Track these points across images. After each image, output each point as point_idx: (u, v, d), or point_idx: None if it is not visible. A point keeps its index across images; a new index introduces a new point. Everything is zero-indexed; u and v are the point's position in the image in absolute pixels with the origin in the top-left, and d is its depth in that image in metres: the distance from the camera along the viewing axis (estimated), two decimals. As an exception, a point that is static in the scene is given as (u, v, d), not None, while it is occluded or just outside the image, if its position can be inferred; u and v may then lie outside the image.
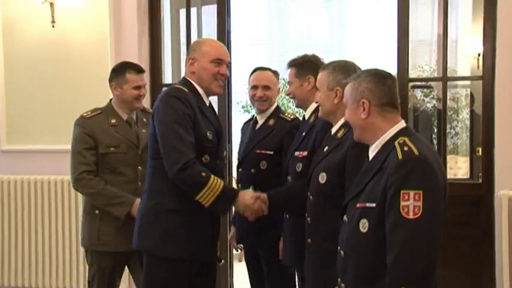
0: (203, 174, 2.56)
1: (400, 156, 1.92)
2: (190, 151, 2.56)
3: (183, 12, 4.50)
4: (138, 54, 4.26)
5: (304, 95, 2.96)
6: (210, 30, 4.48)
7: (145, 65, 4.27)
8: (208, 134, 2.68)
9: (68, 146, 4.23)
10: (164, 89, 3.10)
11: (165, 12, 4.57)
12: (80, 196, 4.20)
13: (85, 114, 3.22)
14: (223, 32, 4.28)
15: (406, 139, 1.98)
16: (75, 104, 4.24)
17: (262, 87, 3.38)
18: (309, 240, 2.55)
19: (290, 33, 9.77)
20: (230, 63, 2.90)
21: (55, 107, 4.35)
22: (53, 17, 4.19)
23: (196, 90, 2.73)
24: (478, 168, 4.63)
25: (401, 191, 1.87)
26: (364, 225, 1.99)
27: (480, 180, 3.99)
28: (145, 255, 2.73)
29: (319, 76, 2.58)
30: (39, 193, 4.34)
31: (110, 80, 3.26)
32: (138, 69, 3.28)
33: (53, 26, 4.21)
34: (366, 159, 2.15)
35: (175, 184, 2.59)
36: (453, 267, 3.75)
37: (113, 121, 3.20)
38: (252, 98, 3.44)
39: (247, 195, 2.76)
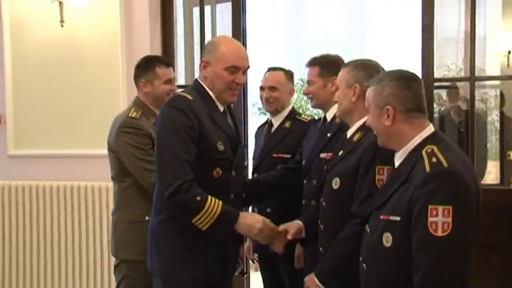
0: (198, 198, 2.32)
1: (428, 169, 1.84)
2: (184, 172, 2.31)
3: (196, 11, 4.43)
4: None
5: (327, 96, 2.87)
6: (224, 29, 4.38)
7: (157, 66, 4.17)
8: (219, 145, 2.43)
9: (78, 151, 4.23)
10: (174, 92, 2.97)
11: (178, 10, 4.51)
12: (90, 202, 4.12)
13: (133, 115, 2.96)
14: (239, 31, 4.19)
15: (435, 148, 1.89)
16: (85, 106, 4.25)
17: (269, 89, 3.34)
18: (321, 248, 2.48)
19: (307, 31, 9.65)
20: (248, 67, 2.60)
21: (64, 109, 4.28)
22: (61, 16, 4.12)
23: (209, 95, 2.50)
24: (509, 173, 4.55)
25: (429, 206, 1.80)
26: (387, 239, 1.94)
27: (511, 186, 3.80)
28: (153, 277, 2.57)
29: (340, 73, 2.50)
30: (48, 200, 4.26)
31: (137, 77, 3.06)
32: (167, 62, 3.13)
33: (62, 26, 4.15)
34: (392, 166, 2.08)
35: None
36: (483, 279, 3.63)
37: (153, 121, 2.91)
38: (261, 99, 3.42)
39: (249, 217, 2.51)
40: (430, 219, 1.79)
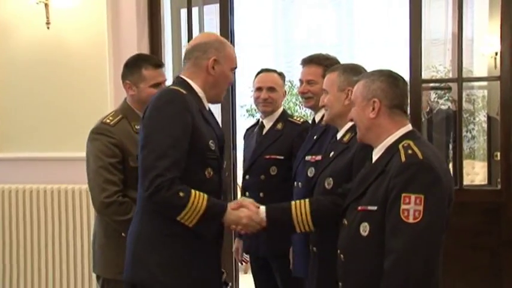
0: (181, 194, 2.15)
1: (403, 159, 1.93)
2: (166, 169, 2.14)
3: (184, 12, 4.41)
4: (137, 57, 4.11)
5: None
6: (212, 31, 4.34)
7: (144, 67, 4.14)
8: (210, 143, 2.29)
9: (64, 154, 4.19)
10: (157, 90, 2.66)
11: (165, 12, 4.47)
12: (78, 205, 4.09)
13: (108, 121, 2.75)
14: (226, 33, 4.18)
15: (411, 142, 1.99)
16: (71, 109, 4.21)
17: (267, 89, 3.33)
18: (314, 248, 2.52)
19: (296, 34, 9.61)
20: None
21: (50, 112, 4.23)
22: (48, 18, 4.07)
23: (197, 94, 2.34)
24: (496, 173, 4.54)
25: (403, 194, 1.88)
26: (365, 229, 2.00)
27: (499, 187, 3.88)
28: None
29: (327, 78, 2.53)
30: (35, 203, 4.20)
31: (123, 78, 2.82)
32: (156, 63, 2.84)
33: (48, 28, 4.10)
34: (369, 161, 2.15)
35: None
36: (470, 279, 3.70)
37: (137, 127, 2.66)
38: (256, 100, 3.39)
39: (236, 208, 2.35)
40: (403, 206, 1.87)
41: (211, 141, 2.29)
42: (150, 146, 2.17)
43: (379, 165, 2.04)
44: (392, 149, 2.02)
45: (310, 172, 2.76)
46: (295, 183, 2.90)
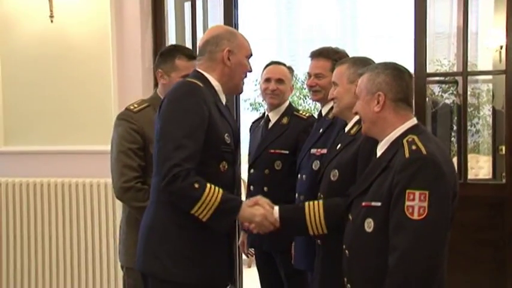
0: (196, 185, 2.13)
1: (407, 155, 1.92)
2: (183, 159, 2.12)
3: (188, 6, 4.39)
4: (141, 50, 4.14)
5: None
6: (218, 23, 4.33)
7: (148, 61, 4.18)
8: (226, 136, 2.29)
9: (68, 147, 4.19)
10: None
11: (169, 5, 4.45)
12: (81, 198, 4.09)
13: (132, 107, 2.80)
14: (230, 26, 4.10)
15: (415, 137, 1.97)
16: (75, 102, 4.21)
17: (276, 81, 3.31)
18: (319, 241, 2.50)
19: (300, 27, 9.58)
20: None
21: (54, 105, 4.23)
22: (51, 11, 4.07)
23: (213, 87, 2.35)
24: (501, 167, 4.57)
25: (407, 191, 1.86)
26: (369, 225, 1.99)
27: (504, 181, 3.84)
28: (151, 279, 2.31)
29: (336, 71, 2.52)
30: (39, 197, 4.20)
31: (157, 66, 2.86)
32: (190, 54, 2.85)
33: (52, 21, 4.10)
34: (374, 156, 2.14)
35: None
36: (474, 274, 3.67)
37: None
38: (264, 91, 3.37)
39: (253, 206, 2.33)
40: (407, 203, 1.85)
41: (226, 134, 2.29)
42: (167, 137, 2.16)
43: (383, 160, 2.03)
44: (397, 143, 2.00)
45: (315, 165, 2.75)
46: (299, 175, 2.89)
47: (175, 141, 2.14)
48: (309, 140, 2.92)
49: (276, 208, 2.34)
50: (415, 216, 1.83)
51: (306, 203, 2.36)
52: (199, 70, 2.37)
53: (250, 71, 2.44)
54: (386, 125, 2.06)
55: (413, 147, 1.93)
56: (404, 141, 1.97)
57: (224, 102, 2.40)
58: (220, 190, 2.19)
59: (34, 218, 4.23)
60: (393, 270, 1.85)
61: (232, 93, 2.49)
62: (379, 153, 2.10)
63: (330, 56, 2.89)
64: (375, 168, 2.06)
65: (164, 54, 2.86)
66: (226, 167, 2.30)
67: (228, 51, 2.34)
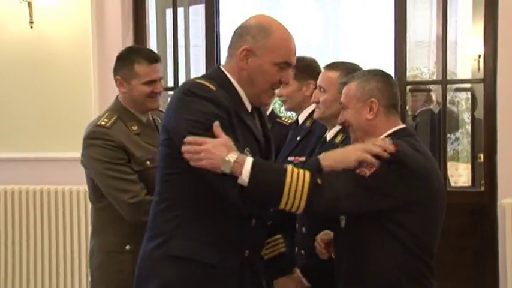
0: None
1: None
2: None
3: (169, 12, 4.40)
4: (122, 56, 4.09)
5: (301, 99, 2.87)
6: (198, 32, 4.34)
7: (129, 67, 4.13)
8: (246, 151, 1.85)
9: (48, 154, 4.14)
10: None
11: (151, 11, 4.46)
12: (60, 206, 4.05)
13: (103, 123, 2.41)
14: (212, 34, 4.18)
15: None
16: (55, 108, 4.18)
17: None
18: (302, 251, 2.44)
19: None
20: None
21: (34, 112, 4.20)
22: (31, 17, 4.04)
23: (236, 91, 1.94)
24: (480, 175, 4.58)
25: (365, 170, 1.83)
26: (341, 222, 2.00)
27: (482, 188, 3.92)
28: None
29: (325, 76, 2.44)
30: (17, 204, 4.16)
31: (114, 72, 2.50)
32: (151, 58, 2.47)
33: (31, 27, 4.07)
34: None
35: (192, 219, 1.86)
36: (455, 280, 3.65)
37: (135, 128, 2.44)
38: None
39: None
40: (358, 171, 1.82)
41: (247, 149, 1.86)
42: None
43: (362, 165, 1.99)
44: None
45: None
46: None
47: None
48: (286, 147, 2.90)
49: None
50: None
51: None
52: (222, 68, 1.99)
53: (280, 83, 1.97)
54: (377, 132, 2.00)
55: None
56: None
57: (250, 109, 1.98)
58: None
59: (19, 224, 4.18)
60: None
61: (254, 105, 2.01)
62: None
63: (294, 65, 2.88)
64: None
65: (121, 59, 2.49)
66: None
67: (246, 51, 1.91)
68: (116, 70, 2.50)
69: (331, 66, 2.47)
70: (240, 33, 1.95)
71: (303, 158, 2.68)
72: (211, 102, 1.81)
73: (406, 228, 1.88)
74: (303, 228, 2.45)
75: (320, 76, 2.48)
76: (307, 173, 1.77)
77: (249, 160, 1.74)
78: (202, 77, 2.00)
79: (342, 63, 2.54)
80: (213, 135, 1.75)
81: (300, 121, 2.90)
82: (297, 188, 1.75)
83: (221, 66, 2.00)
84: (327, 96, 2.40)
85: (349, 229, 1.96)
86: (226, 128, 1.78)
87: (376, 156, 1.81)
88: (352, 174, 1.81)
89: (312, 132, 2.72)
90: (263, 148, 1.98)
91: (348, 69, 2.36)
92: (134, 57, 2.45)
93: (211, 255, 1.86)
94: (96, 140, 2.39)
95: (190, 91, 1.85)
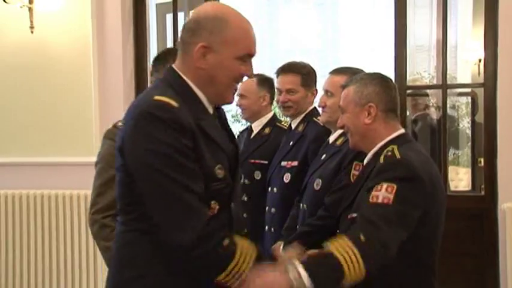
0: (225, 243, 1.63)
1: (381, 161, 1.89)
2: (203, 206, 1.63)
3: (169, 17, 4.38)
4: (122, 62, 4.12)
5: (306, 106, 2.91)
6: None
7: (130, 72, 4.18)
8: (217, 169, 1.68)
9: (48, 158, 4.15)
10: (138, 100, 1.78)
11: (151, 16, 4.45)
12: (61, 210, 4.06)
13: (120, 123, 2.21)
14: None
15: (395, 147, 1.92)
16: (56, 113, 4.17)
17: (240, 96, 3.30)
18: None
19: (281, 40, 9.64)
20: None
21: (35, 117, 4.19)
22: (31, 22, 4.03)
23: (195, 95, 1.72)
24: (480, 179, 4.56)
25: (376, 185, 1.81)
26: None
27: (483, 193, 3.90)
28: None
29: (333, 80, 2.46)
30: (17, 209, 4.15)
31: (151, 73, 2.49)
32: None
33: (32, 32, 4.06)
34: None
35: (161, 252, 1.65)
36: (455, 285, 3.64)
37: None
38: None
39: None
40: (373, 193, 1.80)
41: (218, 166, 1.68)
42: (162, 179, 1.60)
43: (366, 172, 2.00)
44: (378, 154, 1.97)
45: (286, 178, 2.77)
46: (270, 188, 2.91)
47: (177, 183, 1.61)
48: (280, 152, 2.93)
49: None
50: (379, 201, 1.79)
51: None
52: (175, 67, 1.75)
53: (242, 77, 1.77)
54: (376, 136, 2.01)
55: (389, 153, 1.90)
56: (385, 151, 1.94)
57: (211, 112, 1.78)
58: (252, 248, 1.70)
59: (19, 229, 4.16)
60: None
61: (217, 104, 1.81)
62: (365, 163, 2.08)
63: (299, 70, 2.88)
64: (358, 182, 2.04)
65: (159, 60, 2.46)
66: (217, 207, 1.69)
67: (203, 48, 1.68)
68: (153, 72, 2.49)
69: (339, 71, 2.48)
70: (193, 28, 1.70)
71: (295, 163, 2.73)
72: (173, 128, 1.58)
73: (421, 240, 1.89)
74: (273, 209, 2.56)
75: (327, 80, 2.50)
76: (350, 242, 1.72)
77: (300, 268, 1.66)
78: (162, 83, 1.75)
79: (350, 68, 2.54)
80: (179, 171, 1.58)
81: (293, 126, 2.92)
82: (352, 260, 1.70)
83: (174, 67, 1.75)
84: (334, 101, 2.41)
85: None
86: (190, 160, 1.60)
87: (384, 170, 1.82)
88: (380, 214, 1.77)
89: (304, 137, 2.76)
90: (230, 155, 1.77)
91: (354, 74, 2.34)
92: (170, 59, 2.27)
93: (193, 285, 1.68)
94: (107, 139, 2.38)
95: (149, 113, 1.60)
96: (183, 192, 1.58)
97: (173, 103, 1.61)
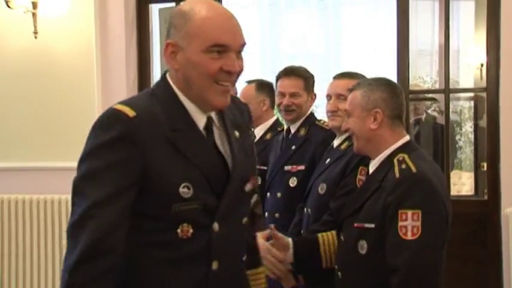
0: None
1: (397, 175, 1.89)
2: (105, 235, 1.50)
3: (172, 23, 4.35)
4: (125, 67, 4.13)
5: (307, 110, 2.90)
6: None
7: (133, 76, 4.19)
8: (182, 188, 1.49)
9: (51, 163, 4.15)
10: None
11: (154, 21, 4.45)
12: (65, 216, 4.05)
13: None
14: None
15: (405, 156, 1.93)
16: (59, 119, 4.16)
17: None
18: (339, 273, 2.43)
19: (283, 44, 9.64)
20: (244, 43, 1.57)
21: (38, 122, 4.18)
22: (35, 27, 4.02)
23: (181, 105, 1.56)
24: (483, 184, 4.54)
25: (400, 211, 1.83)
26: (362, 247, 1.95)
27: (486, 197, 3.90)
28: None
29: (339, 84, 2.46)
30: (20, 214, 4.15)
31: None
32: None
33: (36, 37, 4.05)
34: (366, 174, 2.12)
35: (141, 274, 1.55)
36: None
37: None
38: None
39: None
40: (400, 223, 1.82)
41: (184, 184, 1.49)
42: (79, 197, 1.60)
43: (375, 180, 1.99)
44: (388, 162, 1.97)
45: (292, 182, 2.75)
46: (269, 193, 2.88)
47: (87, 205, 1.56)
48: (281, 157, 2.90)
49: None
50: (409, 237, 1.81)
51: (319, 235, 2.29)
52: (167, 77, 1.60)
53: (222, 71, 1.51)
54: (382, 142, 2.01)
55: (403, 166, 1.89)
56: (395, 160, 1.93)
57: (202, 125, 1.58)
58: None
59: (14, 234, 4.16)
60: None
61: (210, 110, 1.59)
62: (371, 170, 2.07)
63: (301, 74, 2.88)
64: (367, 188, 2.02)
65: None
66: (190, 231, 1.51)
67: (171, 47, 1.52)
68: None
69: (351, 75, 2.47)
70: (167, 28, 1.56)
71: (302, 167, 2.71)
72: (119, 138, 1.46)
73: None
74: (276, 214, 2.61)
75: (339, 84, 2.47)
76: None
77: None
78: (148, 90, 1.65)
79: (356, 73, 2.54)
80: (95, 184, 1.49)
81: (293, 130, 2.91)
82: None
83: (166, 74, 1.61)
84: (339, 105, 2.42)
85: (373, 256, 1.92)
86: (120, 175, 1.46)
87: (405, 191, 1.84)
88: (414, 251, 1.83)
89: (309, 141, 2.76)
90: (216, 175, 1.55)
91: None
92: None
93: None
94: None
95: (98, 121, 1.52)
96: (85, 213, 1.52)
97: (129, 113, 1.47)
